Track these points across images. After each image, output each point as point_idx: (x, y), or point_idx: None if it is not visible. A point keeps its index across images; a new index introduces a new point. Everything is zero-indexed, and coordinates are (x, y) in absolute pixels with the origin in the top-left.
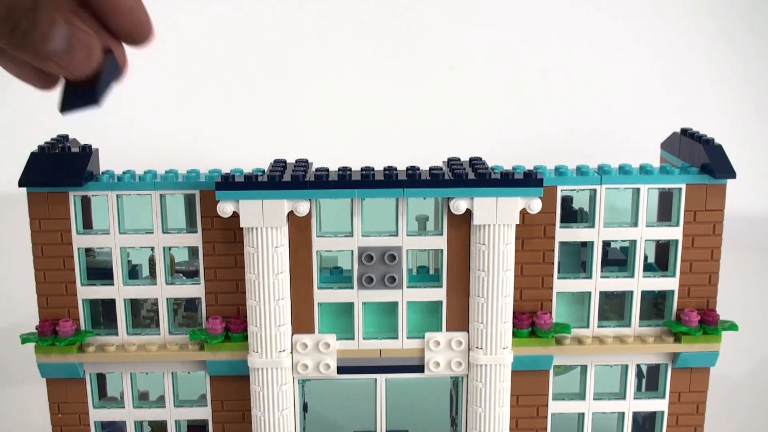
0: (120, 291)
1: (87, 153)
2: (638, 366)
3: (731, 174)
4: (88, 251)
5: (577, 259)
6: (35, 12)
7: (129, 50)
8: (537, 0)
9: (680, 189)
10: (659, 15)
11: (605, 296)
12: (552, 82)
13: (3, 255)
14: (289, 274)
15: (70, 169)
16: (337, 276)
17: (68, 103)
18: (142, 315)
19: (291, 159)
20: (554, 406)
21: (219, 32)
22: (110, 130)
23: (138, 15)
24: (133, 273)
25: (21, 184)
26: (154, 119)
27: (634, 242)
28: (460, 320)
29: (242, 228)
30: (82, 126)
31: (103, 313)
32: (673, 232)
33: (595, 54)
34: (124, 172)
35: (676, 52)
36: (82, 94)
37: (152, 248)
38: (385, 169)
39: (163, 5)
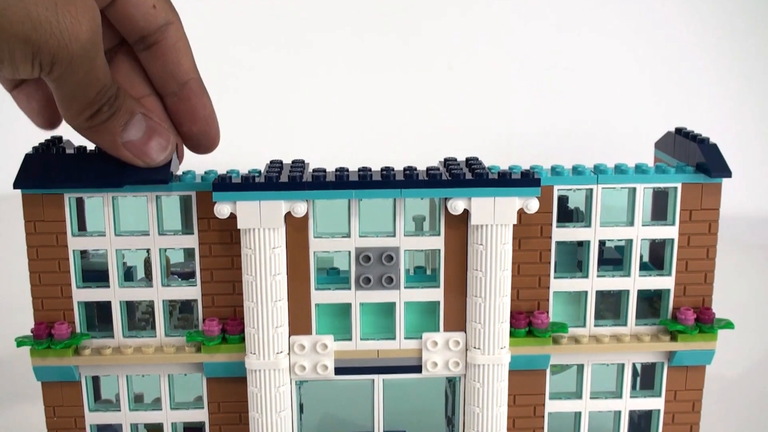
0: (115, 293)
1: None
2: (633, 365)
3: (727, 173)
4: (84, 253)
5: (574, 259)
6: (118, 100)
7: None
8: (535, 1)
9: (676, 188)
10: (655, 15)
11: (601, 295)
12: (549, 83)
13: None
14: (286, 275)
15: (64, 171)
16: (334, 277)
17: (132, 176)
18: (137, 317)
19: (288, 160)
20: (551, 406)
21: (216, 32)
22: None
23: (211, 126)
24: (128, 275)
25: (16, 185)
26: None
27: (630, 241)
28: (458, 320)
29: (239, 229)
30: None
31: (98, 316)
32: (669, 231)
33: (590, 54)
34: None
35: (671, 52)
36: (152, 171)
37: (148, 250)
38: (382, 170)
39: None
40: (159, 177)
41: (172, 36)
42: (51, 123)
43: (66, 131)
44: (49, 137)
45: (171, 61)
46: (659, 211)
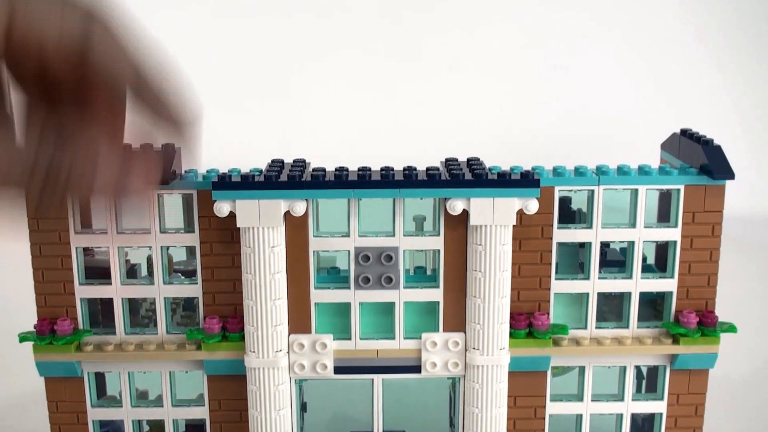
0: (117, 290)
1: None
2: (638, 367)
3: (730, 175)
4: (87, 251)
5: (575, 260)
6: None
7: None
8: (536, 1)
9: (679, 190)
10: (659, 16)
11: (603, 297)
12: (551, 83)
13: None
14: (285, 274)
15: None
16: (334, 276)
17: None
18: (141, 314)
19: (289, 159)
20: (552, 408)
21: (215, 32)
22: None
23: (179, 103)
24: (131, 272)
25: None
26: None
27: (632, 243)
28: (457, 321)
29: (239, 228)
30: None
31: (101, 313)
32: (672, 233)
33: (594, 55)
34: None
35: (676, 53)
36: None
37: (150, 248)
38: (381, 170)
39: (162, 5)
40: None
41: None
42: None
43: None
44: None
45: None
46: (664, 213)
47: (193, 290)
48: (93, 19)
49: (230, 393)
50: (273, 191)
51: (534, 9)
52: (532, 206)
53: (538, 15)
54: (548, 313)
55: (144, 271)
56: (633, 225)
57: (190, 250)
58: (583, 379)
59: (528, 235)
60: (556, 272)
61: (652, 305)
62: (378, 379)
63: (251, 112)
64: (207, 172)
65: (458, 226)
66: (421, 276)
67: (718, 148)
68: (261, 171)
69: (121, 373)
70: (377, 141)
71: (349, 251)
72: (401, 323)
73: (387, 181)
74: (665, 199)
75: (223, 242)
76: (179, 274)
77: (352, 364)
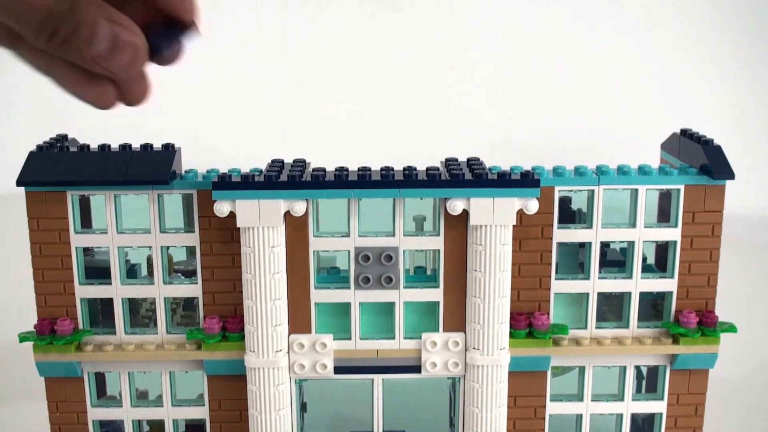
0: (117, 290)
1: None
2: (638, 367)
3: (730, 175)
4: (87, 250)
5: (575, 260)
6: (74, 15)
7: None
8: (537, 1)
9: (679, 190)
10: (659, 15)
11: (603, 297)
12: (551, 83)
13: (1, 254)
14: (285, 274)
15: (67, 169)
16: (334, 276)
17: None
18: (141, 314)
19: (289, 159)
20: (552, 408)
21: (215, 31)
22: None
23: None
24: (131, 272)
25: (19, 183)
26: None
27: (632, 243)
28: (457, 321)
29: (239, 228)
30: (81, 126)
31: (101, 313)
32: (672, 234)
33: (594, 54)
34: None
35: (675, 52)
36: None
37: (150, 248)
38: (381, 169)
39: None
40: (159, 177)
41: None
42: (107, 101)
43: (69, 130)
44: (54, 135)
45: None
46: (664, 213)
47: (193, 290)
48: None
49: (230, 393)
50: (273, 191)
51: (534, 9)
52: (532, 206)
53: (539, 15)
54: (548, 313)
55: (144, 271)
56: (633, 225)
57: (190, 250)
58: (583, 379)
59: (528, 235)
60: (556, 272)
61: (652, 305)
62: (378, 379)
63: (251, 112)
64: (207, 172)
65: (458, 226)
66: (421, 276)
67: (718, 148)
68: (261, 171)
69: (121, 373)
70: (377, 141)
71: (349, 251)
72: (401, 323)
73: (387, 181)
74: (665, 199)
75: (223, 242)
76: (179, 274)
77: (352, 364)
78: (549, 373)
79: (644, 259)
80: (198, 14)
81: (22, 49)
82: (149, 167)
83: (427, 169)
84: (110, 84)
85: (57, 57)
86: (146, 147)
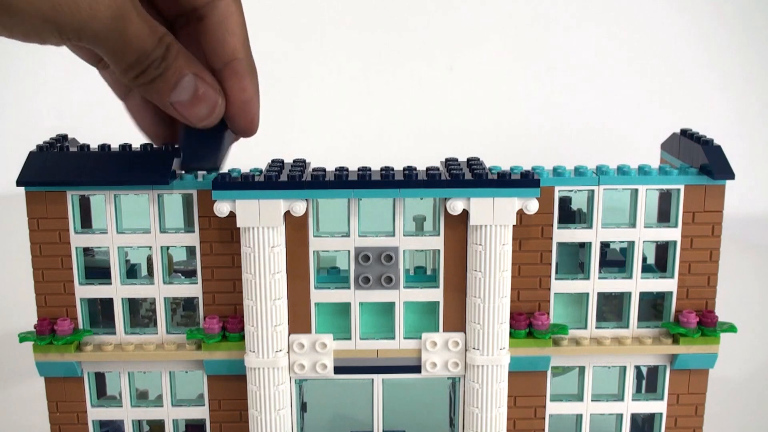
0: (117, 290)
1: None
2: (638, 367)
3: (730, 175)
4: (87, 250)
5: (575, 260)
6: (166, 61)
7: None
8: (537, 1)
9: (679, 190)
10: (659, 16)
11: (604, 297)
12: (551, 83)
13: (1, 254)
14: (285, 274)
15: (67, 169)
16: (334, 276)
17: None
18: (141, 314)
19: (289, 159)
20: (552, 407)
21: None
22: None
23: (247, 111)
24: (131, 272)
25: (19, 183)
26: None
27: (632, 243)
28: (457, 321)
29: (239, 228)
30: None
31: (101, 313)
32: (672, 233)
33: (594, 54)
34: None
35: (676, 52)
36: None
37: (150, 248)
38: (382, 169)
39: None
40: (159, 177)
41: (220, 12)
42: (159, 137)
43: (69, 130)
44: (54, 135)
45: (215, 38)
46: (664, 213)
47: (193, 290)
48: None
49: (230, 393)
50: (273, 191)
51: (534, 9)
52: (532, 206)
53: (539, 15)
54: (548, 313)
55: (144, 271)
56: (633, 225)
57: (190, 250)
58: (583, 379)
59: (528, 235)
60: (556, 272)
61: (652, 305)
62: (378, 379)
63: None
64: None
65: (458, 226)
66: (421, 276)
67: (718, 148)
68: (261, 171)
69: (121, 373)
70: (377, 141)
71: (349, 251)
72: (401, 323)
73: (387, 181)
74: (665, 199)
75: (223, 242)
76: (179, 274)
77: (352, 364)
78: (549, 373)
79: (644, 259)
80: (255, 128)
81: (105, 72)
82: (149, 167)
83: (427, 169)
84: (171, 125)
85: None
86: (146, 147)
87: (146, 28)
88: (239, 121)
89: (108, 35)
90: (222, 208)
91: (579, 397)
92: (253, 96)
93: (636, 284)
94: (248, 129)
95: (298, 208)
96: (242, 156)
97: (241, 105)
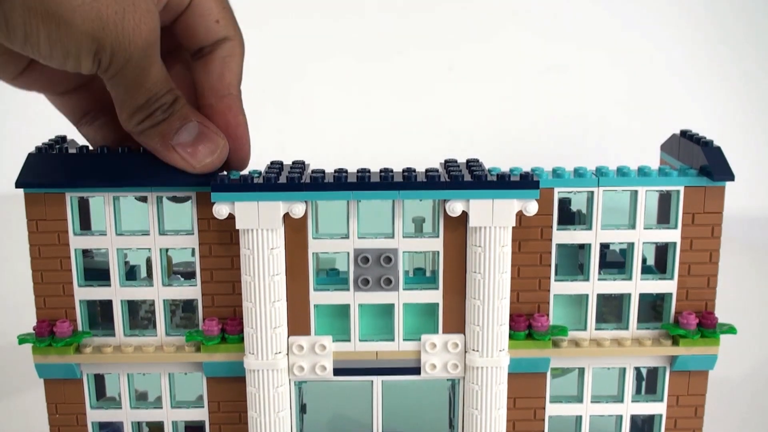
0: (117, 292)
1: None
2: (638, 369)
3: (730, 176)
4: (86, 252)
5: (575, 262)
6: (173, 107)
7: None
8: (537, 1)
9: (678, 191)
10: (659, 16)
11: (604, 299)
12: (551, 84)
13: (1, 256)
14: (285, 275)
15: (66, 171)
16: (333, 278)
17: (133, 177)
18: (141, 316)
19: (288, 160)
20: (551, 409)
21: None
22: None
23: (240, 145)
24: (131, 274)
25: (18, 185)
26: None
27: (631, 244)
28: (457, 322)
29: (238, 230)
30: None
31: (100, 314)
32: (671, 235)
33: (594, 55)
34: None
35: (676, 53)
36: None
37: (149, 249)
38: (381, 171)
39: None
40: (159, 179)
41: (225, 51)
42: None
43: (68, 131)
44: (53, 137)
45: (215, 73)
46: (664, 215)
47: (192, 292)
48: (236, 29)
49: (229, 395)
50: (272, 193)
51: (534, 9)
52: (531, 208)
53: (538, 15)
54: (548, 315)
55: (143, 273)
56: (632, 226)
57: (193, 252)
58: (582, 380)
59: (527, 236)
60: (556, 274)
61: (652, 306)
62: (377, 380)
63: (250, 114)
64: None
65: (458, 228)
66: (420, 277)
67: (718, 150)
68: (260, 173)
69: (120, 374)
70: (376, 142)
71: (348, 253)
72: (401, 325)
73: (386, 182)
74: (665, 201)
75: (222, 244)
76: (178, 276)
77: (351, 365)
78: (548, 374)
79: (644, 261)
80: (246, 163)
81: (61, 100)
82: (148, 169)
83: (427, 170)
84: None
85: (132, 137)
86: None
87: (165, 72)
88: (234, 154)
89: (137, 63)
90: (221, 210)
91: (579, 399)
92: (245, 130)
93: (636, 285)
94: (242, 161)
95: (298, 209)
96: None
97: (236, 138)
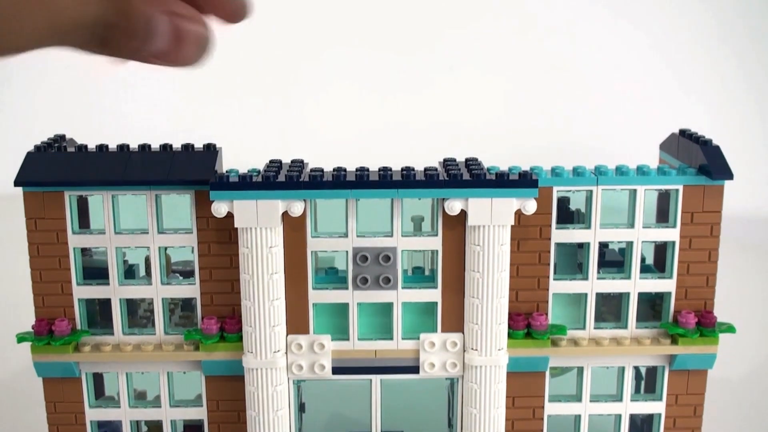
0: (115, 291)
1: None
2: (636, 368)
3: (728, 175)
4: (85, 251)
5: (574, 261)
6: (125, 16)
7: None
8: (536, 1)
9: (677, 190)
10: (658, 15)
11: (602, 298)
12: (550, 83)
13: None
14: (283, 274)
15: (65, 169)
16: (332, 276)
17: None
18: (139, 315)
19: (287, 159)
20: (550, 408)
21: (216, 32)
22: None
23: None
24: (129, 272)
25: (17, 183)
26: (150, 120)
27: (630, 244)
28: (456, 321)
29: (237, 228)
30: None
31: (99, 313)
32: (670, 234)
33: (593, 54)
34: None
35: (675, 53)
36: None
37: (148, 248)
38: (380, 170)
39: None
40: (158, 178)
41: None
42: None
43: (67, 130)
44: (52, 136)
45: None
46: (663, 214)
47: (191, 291)
48: None
49: (228, 393)
50: (271, 191)
51: (534, 9)
52: (530, 206)
53: (538, 15)
54: (547, 314)
55: (142, 272)
56: (631, 225)
57: (190, 251)
58: (581, 379)
59: (526, 235)
60: (555, 272)
61: (651, 306)
62: (376, 379)
63: (249, 113)
64: None
65: (456, 227)
66: (419, 276)
67: (717, 149)
68: (259, 171)
69: (119, 373)
70: (375, 141)
71: (347, 252)
72: (399, 324)
73: (385, 181)
74: (664, 200)
75: (220, 243)
76: (177, 275)
77: (350, 364)
78: (547, 373)
79: (643, 260)
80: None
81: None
82: (148, 167)
83: (426, 169)
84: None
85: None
86: (144, 147)
87: None
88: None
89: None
90: (220, 209)
91: (577, 398)
92: None
93: (634, 285)
94: (239, 11)
95: (296, 208)
96: (240, 156)
97: None
